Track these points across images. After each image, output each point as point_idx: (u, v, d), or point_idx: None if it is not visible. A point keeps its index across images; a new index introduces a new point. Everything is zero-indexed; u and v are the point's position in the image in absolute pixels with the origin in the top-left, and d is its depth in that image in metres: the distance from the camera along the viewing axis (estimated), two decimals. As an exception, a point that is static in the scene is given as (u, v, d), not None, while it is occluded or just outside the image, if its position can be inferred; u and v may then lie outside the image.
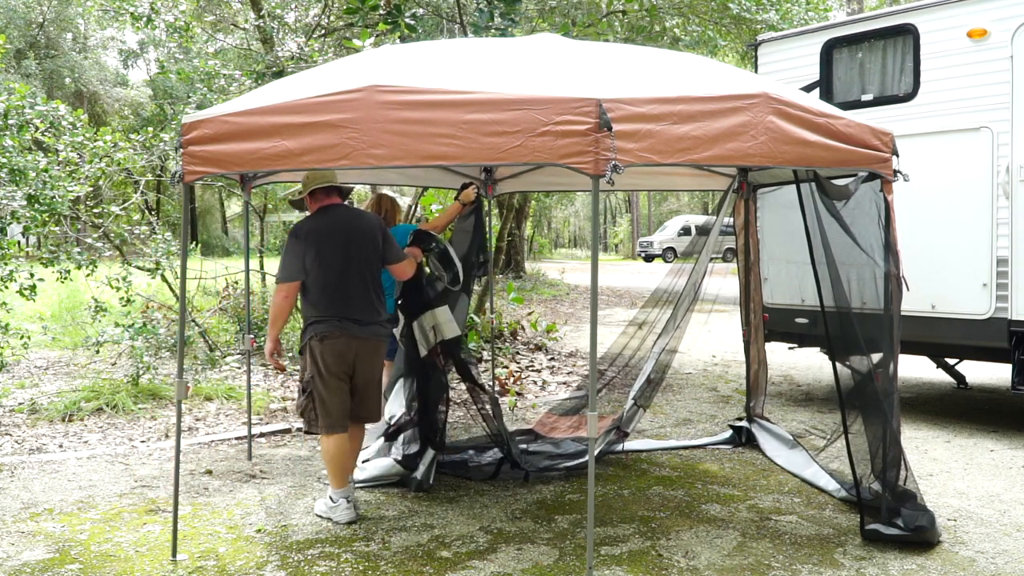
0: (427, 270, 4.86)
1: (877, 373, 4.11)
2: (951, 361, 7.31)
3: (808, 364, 8.97)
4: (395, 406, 4.91)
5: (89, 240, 7.91)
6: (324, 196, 4.28)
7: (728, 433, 5.76)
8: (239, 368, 7.83)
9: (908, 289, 4.28)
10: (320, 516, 4.25)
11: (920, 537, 3.82)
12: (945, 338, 5.91)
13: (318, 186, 4.24)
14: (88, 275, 7.54)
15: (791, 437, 5.42)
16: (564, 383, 7.99)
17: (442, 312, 4.72)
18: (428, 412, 4.79)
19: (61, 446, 5.65)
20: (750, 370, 5.73)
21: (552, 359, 9.21)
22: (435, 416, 4.81)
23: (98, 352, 7.89)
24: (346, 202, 4.54)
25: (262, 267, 9.83)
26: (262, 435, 5.92)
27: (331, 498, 4.22)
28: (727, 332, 11.36)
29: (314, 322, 4.13)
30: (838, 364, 4.14)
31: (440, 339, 4.77)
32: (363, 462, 4.85)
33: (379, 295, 4.27)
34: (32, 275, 6.90)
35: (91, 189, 7.77)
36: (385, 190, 6.51)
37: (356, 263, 4.17)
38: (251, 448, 5.41)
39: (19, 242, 7.64)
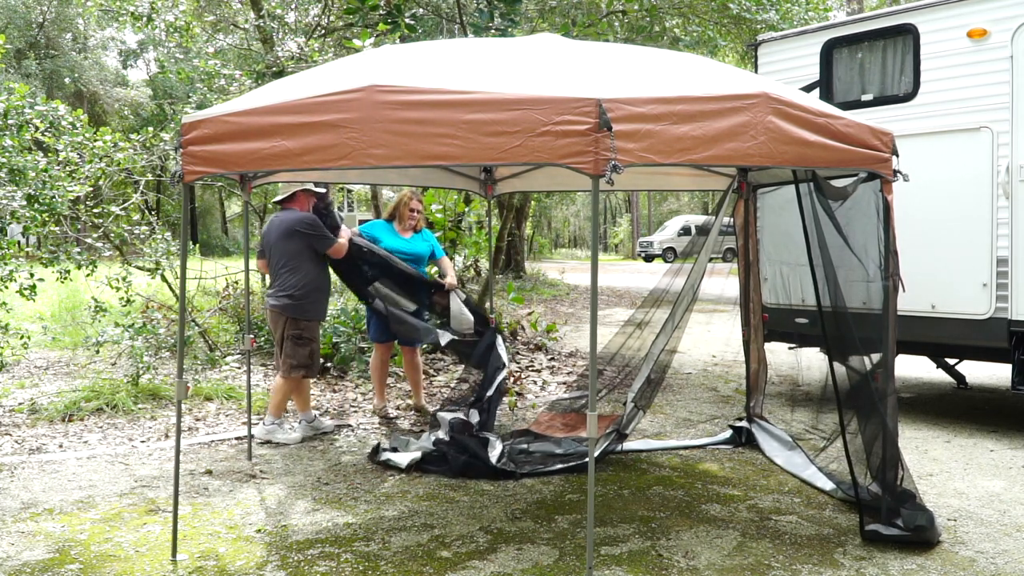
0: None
1: (876, 373, 4.10)
2: (951, 361, 7.30)
3: (808, 364, 8.96)
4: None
5: (89, 240, 7.91)
6: (289, 200, 5.67)
7: (728, 433, 5.76)
8: (239, 368, 7.83)
9: (904, 290, 4.28)
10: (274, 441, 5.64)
11: (920, 537, 3.82)
12: (945, 338, 5.91)
13: (278, 198, 5.75)
14: (88, 275, 7.54)
15: (790, 439, 5.42)
16: (564, 383, 7.99)
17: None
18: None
19: (61, 446, 5.65)
20: (750, 370, 5.73)
21: (552, 359, 9.21)
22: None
23: (98, 352, 7.89)
24: (329, 197, 5.99)
25: (262, 267, 9.82)
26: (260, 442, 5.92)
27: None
28: (727, 332, 11.35)
29: None
30: (836, 364, 4.14)
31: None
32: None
33: (284, 274, 5.52)
34: (32, 275, 6.90)
35: (91, 189, 7.77)
36: (385, 190, 6.52)
37: (275, 251, 5.56)
38: (251, 448, 5.41)
39: (19, 242, 7.64)
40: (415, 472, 5.04)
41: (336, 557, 3.74)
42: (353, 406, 6.78)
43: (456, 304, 6.20)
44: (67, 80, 32.88)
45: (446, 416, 5.70)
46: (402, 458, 5.12)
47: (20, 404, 6.61)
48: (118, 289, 7.75)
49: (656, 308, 5.15)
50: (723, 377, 8.40)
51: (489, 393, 5.86)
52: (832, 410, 4.39)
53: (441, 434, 5.46)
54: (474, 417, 5.69)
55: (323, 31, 11.40)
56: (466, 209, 9.54)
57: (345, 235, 5.77)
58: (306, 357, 5.60)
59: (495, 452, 5.15)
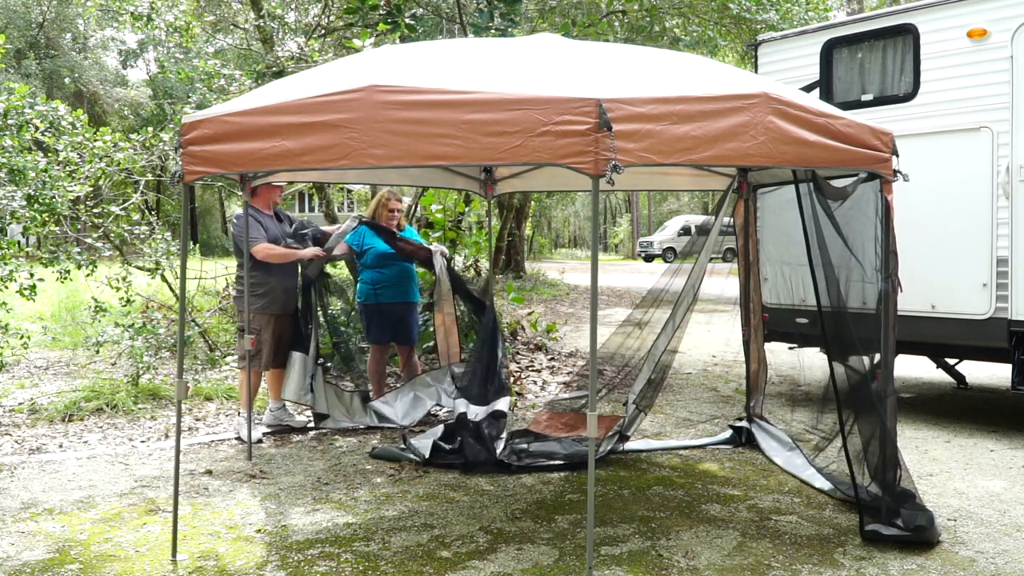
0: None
1: (876, 374, 4.10)
2: (951, 361, 7.30)
3: (808, 364, 8.95)
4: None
5: (89, 240, 7.91)
6: (253, 196, 5.70)
7: (728, 433, 5.76)
8: (239, 368, 7.82)
9: (902, 290, 4.28)
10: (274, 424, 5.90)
11: (920, 537, 3.82)
12: (945, 338, 5.90)
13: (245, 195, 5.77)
14: (88, 275, 7.54)
15: (790, 439, 5.42)
16: (564, 383, 7.99)
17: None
18: None
19: (61, 446, 5.65)
20: (750, 370, 5.73)
21: (552, 359, 9.21)
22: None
23: (98, 352, 7.89)
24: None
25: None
26: (262, 435, 5.92)
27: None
28: (727, 332, 11.35)
29: None
30: (835, 365, 4.14)
31: None
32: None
33: (239, 268, 5.74)
34: (32, 275, 6.89)
35: (91, 189, 7.77)
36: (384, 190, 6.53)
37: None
38: (251, 448, 5.41)
39: (19, 242, 7.64)
40: (419, 470, 5.04)
41: (336, 557, 3.74)
42: (353, 406, 6.78)
43: (439, 265, 6.34)
44: (67, 80, 32.85)
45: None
46: (423, 442, 5.29)
47: (20, 404, 6.61)
48: (118, 289, 7.75)
49: (655, 308, 5.15)
50: (723, 377, 8.40)
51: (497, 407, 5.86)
52: (832, 410, 4.39)
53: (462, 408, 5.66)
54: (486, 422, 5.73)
55: (323, 31, 11.40)
56: (466, 209, 9.54)
57: (309, 252, 5.84)
58: (244, 348, 5.77)
59: (500, 444, 5.25)
